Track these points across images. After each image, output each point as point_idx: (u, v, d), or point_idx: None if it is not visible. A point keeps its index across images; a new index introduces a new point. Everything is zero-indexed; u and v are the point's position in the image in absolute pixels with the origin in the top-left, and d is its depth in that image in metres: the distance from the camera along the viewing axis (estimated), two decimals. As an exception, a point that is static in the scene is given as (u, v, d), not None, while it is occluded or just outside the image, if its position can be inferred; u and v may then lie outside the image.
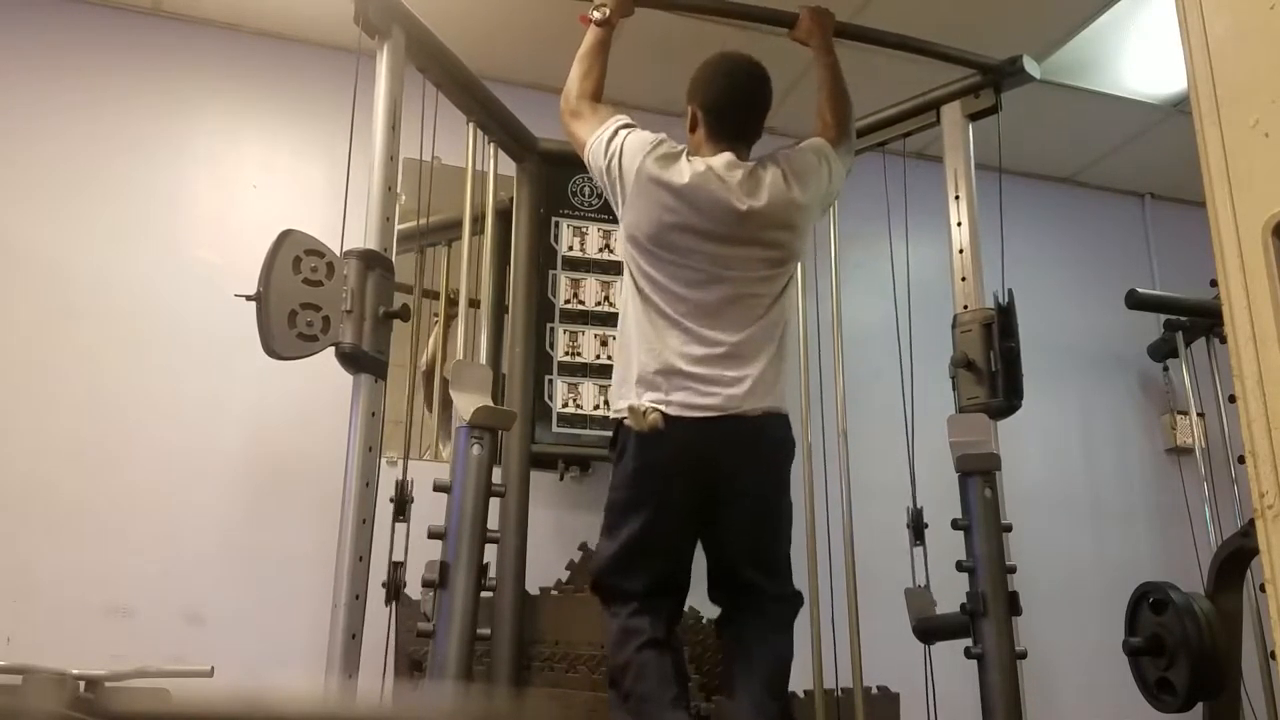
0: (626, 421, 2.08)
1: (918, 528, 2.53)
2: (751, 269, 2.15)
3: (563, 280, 3.16)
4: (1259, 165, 1.03)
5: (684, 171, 2.13)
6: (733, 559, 2.17)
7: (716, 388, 2.06)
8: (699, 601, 2.34)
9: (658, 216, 2.12)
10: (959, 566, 2.35)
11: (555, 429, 3.05)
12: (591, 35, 2.37)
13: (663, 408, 2.04)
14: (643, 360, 2.10)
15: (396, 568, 2.18)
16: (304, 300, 2.15)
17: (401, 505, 2.20)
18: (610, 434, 2.21)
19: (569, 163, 3.24)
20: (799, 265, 2.34)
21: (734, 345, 2.10)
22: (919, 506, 2.56)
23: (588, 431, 3.04)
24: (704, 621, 2.60)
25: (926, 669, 2.51)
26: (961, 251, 2.67)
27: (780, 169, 2.20)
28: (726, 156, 2.18)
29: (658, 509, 2.09)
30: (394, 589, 2.19)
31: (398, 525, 2.20)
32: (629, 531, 2.10)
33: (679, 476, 2.08)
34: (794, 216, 2.19)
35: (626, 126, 2.24)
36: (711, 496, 2.11)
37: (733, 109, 2.23)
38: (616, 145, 2.19)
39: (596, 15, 2.37)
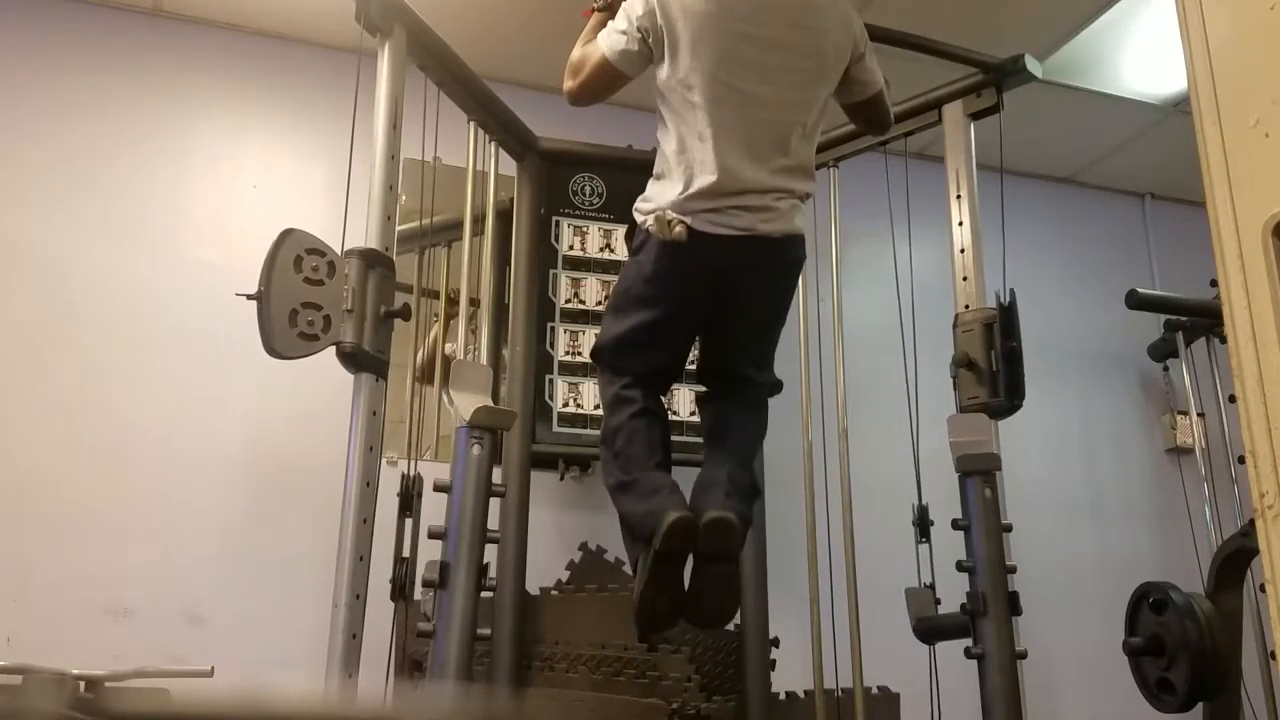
0: (650, 227, 2.12)
1: (923, 525, 2.53)
2: (784, 86, 2.14)
3: (563, 279, 3.16)
4: (1259, 165, 1.03)
5: None
6: (730, 356, 2.29)
7: (742, 212, 2.10)
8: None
9: (690, 26, 2.10)
10: (959, 566, 2.35)
11: (555, 429, 3.05)
12: (594, 23, 2.36)
13: (689, 220, 2.08)
14: (675, 176, 2.13)
15: (403, 564, 2.18)
16: (305, 299, 2.15)
17: (408, 500, 2.20)
18: (630, 226, 2.26)
19: (570, 162, 3.26)
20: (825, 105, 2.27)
21: (764, 170, 2.12)
22: (924, 504, 2.56)
23: (588, 431, 3.04)
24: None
25: (934, 669, 2.50)
26: (963, 251, 2.67)
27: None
28: None
29: (667, 310, 2.18)
30: (400, 586, 2.18)
31: (405, 521, 2.20)
32: (635, 321, 2.19)
33: (694, 287, 2.16)
34: (819, 19, 2.17)
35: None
36: (721, 305, 2.19)
37: None
38: (634, 10, 2.15)
39: (598, 3, 2.37)
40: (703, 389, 2.35)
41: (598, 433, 2.97)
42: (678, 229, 2.07)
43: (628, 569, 2.25)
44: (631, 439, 2.13)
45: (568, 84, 2.28)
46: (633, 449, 2.12)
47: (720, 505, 2.01)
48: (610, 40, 2.19)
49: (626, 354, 2.22)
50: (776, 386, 2.34)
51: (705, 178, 2.09)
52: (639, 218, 2.20)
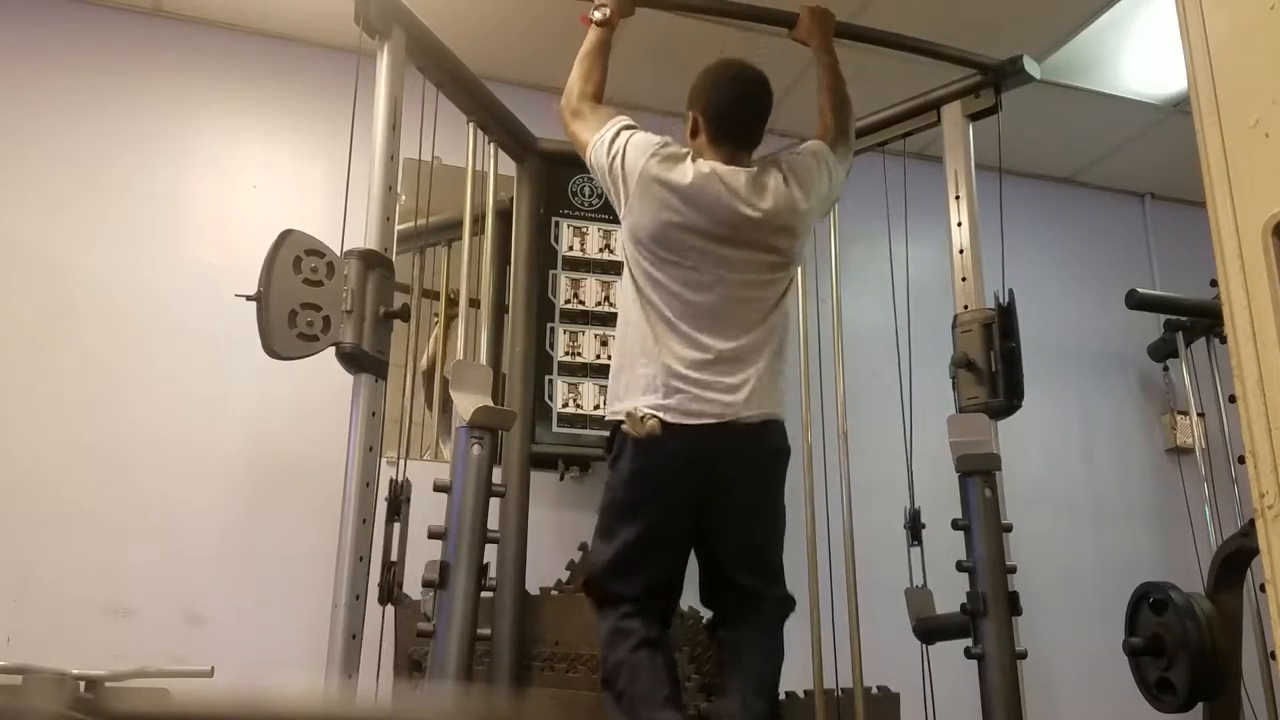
0: (624, 427, 2.09)
1: (915, 528, 2.53)
2: (753, 272, 2.15)
3: (563, 280, 3.16)
4: (1259, 165, 1.03)
5: (688, 173, 2.13)
6: (727, 564, 2.18)
7: (714, 394, 2.06)
8: (696, 600, 2.34)
9: (660, 216, 2.12)
10: (959, 566, 2.35)
11: (555, 429, 3.05)
12: (592, 35, 2.37)
13: (661, 414, 2.04)
14: (641, 364, 2.10)
15: (390, 568, 2.17)
16: (304, 300, 2.15)
17: (396, 505, 2.19)
18: (607, 435, 2.21)
19: (569, 163, 3.24)
20: (799, 269, 2.34)
21: (733, 350, 2.10)
22: (916, 507, 2.56)
23: (588, 431, 3.04)
24: (703, 622, 2.60)
25: (927, 669, 2.51)
26: (962, 251, 2.67)
27: (782, 173, 2.20)
28: (730, 162, 2.18)
29: (654, 515, 2.10)
30: (388, 590, 2.18)
31: (392, 525, 2.18)
32: (624, 537, 2.11)
33: (675, 483, 2.09)
34: (796, 221, 2.20)
35: (629, 128, 2.24)
36: (707, 502, 2.12)
37: (734, 115, 2.22)
38: (619, 146, 2.19)
39: (597, 15, 2.37)
40: (710, 618, 2.26)
41: (598, 433, 2.98)
42: (650, 423, 2.03)
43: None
44: (634, 677, 2.00)
45: (563, 114, 2.33)
46: (637, 687, 1.99)
47: None
48: (597, 150, 2.22)
49: (620, 577, 2.11)
50: (788, 601, 2.22)
51: (673, 360, 2.06)
52: (609, 418, 2.16)
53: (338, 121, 2.38)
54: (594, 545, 2.23)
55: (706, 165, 2.16)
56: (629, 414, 2.06)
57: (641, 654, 2.03)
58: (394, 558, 2.17)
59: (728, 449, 2.08)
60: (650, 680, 2.00)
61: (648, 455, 2.06)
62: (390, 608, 2.20)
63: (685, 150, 2.20)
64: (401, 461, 2.29)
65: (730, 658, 2.15)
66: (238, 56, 3.40)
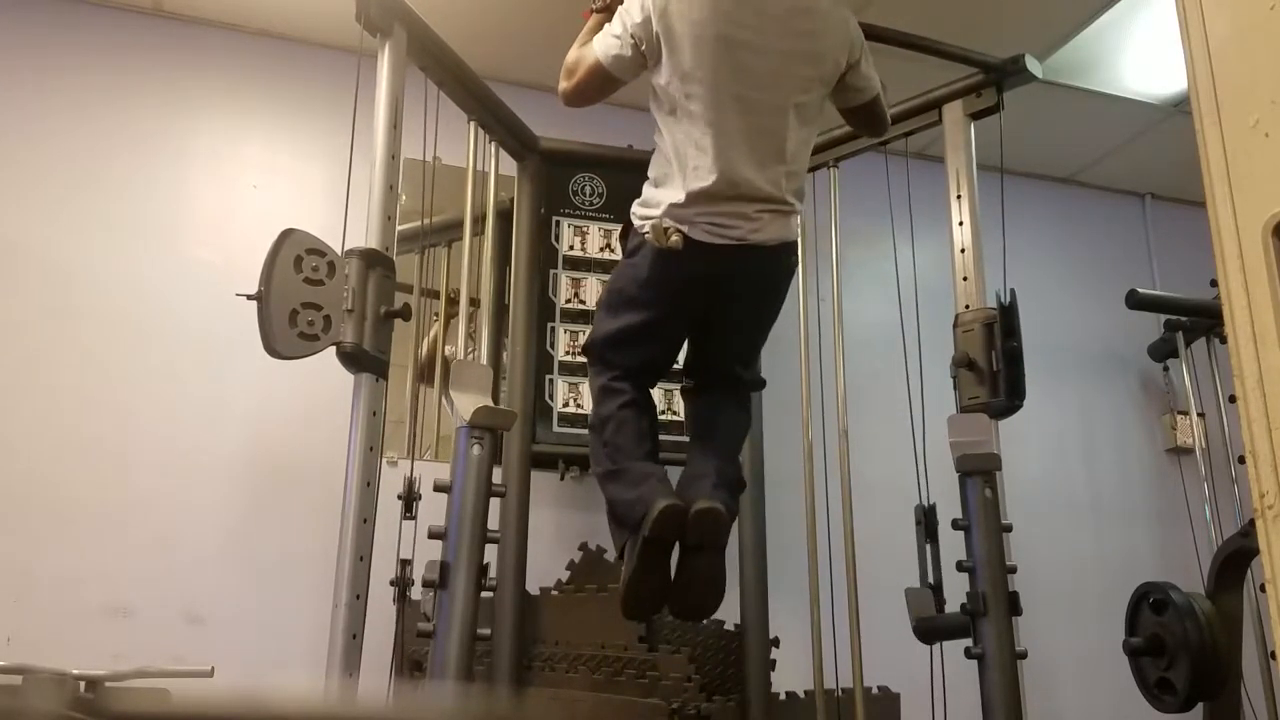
0: (647, 234, 2.12)
1: (929, 525, 2.50)
2: (780, 91, 2.14)
3: (563, 280, 3.16)
4: (1259, 165, 1.03)
5: None
6: (719, 354, 2.32)
7: (739, 220, 2.11)
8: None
9: (687, 38, 2.09)
10: (959, 566, 2.35)
11: (556, 429, 3.05)
12: (592, 23, 2.36)
13: (685, 228, 2.08)
14: (672, 183, 2.13)
15: (405, 565, 2.19)
16: (305, 299, 2.15)
17: (409, 503, 2.21)
18: (623, 225, 2.29)
19: (570, 162, 3.26)
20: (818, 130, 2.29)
21: (762, 177, 2.12)
22: (931, 503, 2.53)
23: (588, 432, 3.03)
24: (704, 621, 2.60)
25: (937, 670, 2.50)
26: (963, 251, 2.67)
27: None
28: None
29: (659, 313, 2.20)
30: (403, 587, 2.19)
31: (405, 523, 2.20)
32: (627, 321, 2.21)
33: (687, 294, 2.18)
34: (816, 24, 2.16)
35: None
36: (713, 309, 2.22)
37: None
38: (630, 16, 2.15)
39: (596, 5, 2.37)
40: (688, 383, 2.38)
41: (598, 433, 2.99)
42: (674, 238, 2.07)
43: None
44: (620, 428, 2.15)
45: (562, 84, 2.28)
46: (621, 438, 2.14)
47: (708, 496, 2.03)
48: (604, 44, 2.19)
49: (617, 350, 2.24)
50: (760, 384, 2.42)
51: (702, 184, 2.08)
52: (636, 221, 2.20)
53: (338, 121, 2.38)
54: (598, 315, 2.36)
55: None
56: (654, 224, 2.11)
57: (628, 411, 2.18)
58: (406, 556, 2.18)
59: (744, 269, 2.16)
60: (633, 434, 2.15)
61: (665, 265, 2.12)
62: (394, 607, 2.21)
63: None
64: (411, 459, 2.29)
65: (706, 423, 2.28)
66: (238, 56, 3.40)
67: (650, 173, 2.24)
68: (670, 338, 2.29)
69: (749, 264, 2.15)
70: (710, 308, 2.21)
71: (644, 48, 2.15)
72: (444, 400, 3.11)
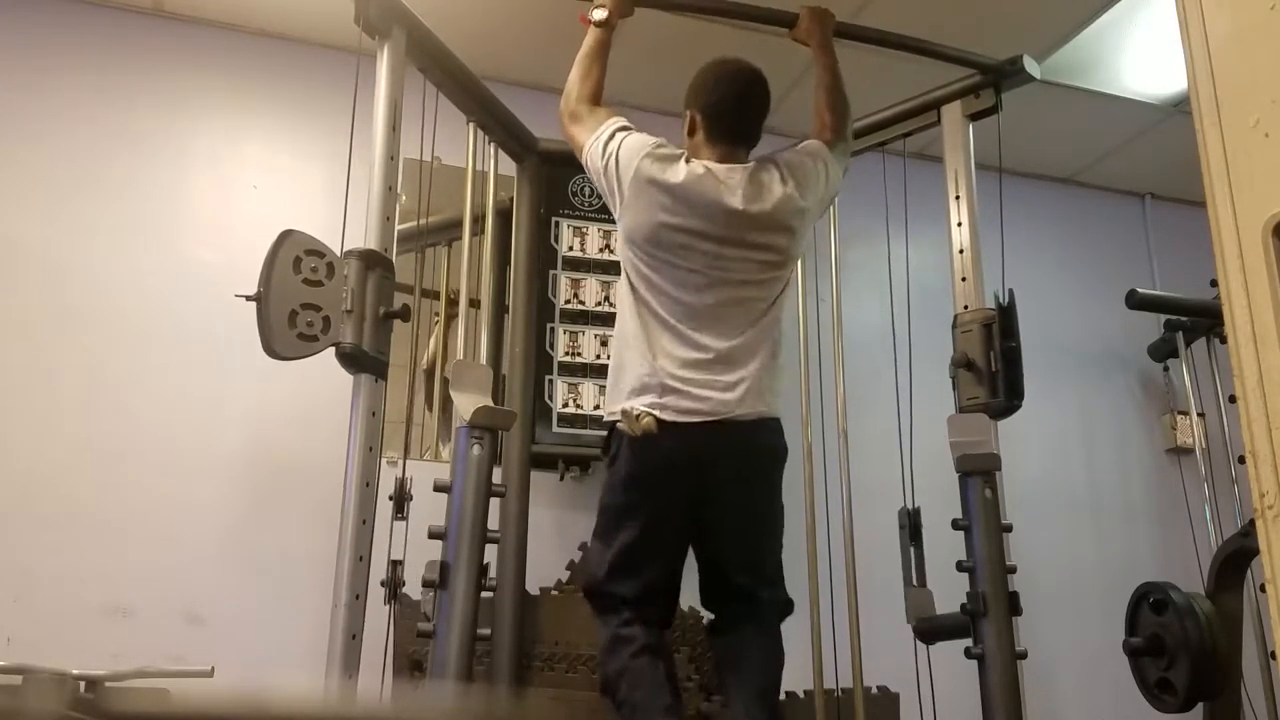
0: (620, 426, 2.09)
1: (914, 528, 2.51)
2: (748, 272, 2.15)
3: (563, 280, 3.16)
4: (1259, 165, 1.03)
5: (681, 172, 2.13)
6: (725, 565, 2.18)
7: (710, 392, 2.07)
8: (695, 600, 2.34)
9: (655, 217, 2.12)
10: (959, 566, 2.35)
11: (555, 429, 3.05)
12: (591, 37, 2.37)
13: (657, 412, 2.04)
14: (637, 364, 2.10)
15: (395, 566, 2.18)
16: (304, 300, 2.15)
17: (400, 503, 2.20)
18: (604, 435, 2.22)
19: (569, 163, 3.22)
20: (796, 268, 2.34)
21: (729, 349, 2.10)
22: (915, 507, 2.55)
23: (588, 431, 3.04)
24: (703, 621, 2.60)
25: (928, 669, 2.51)
26: (962, 251, 2.67)
27: (779, 172, 2.20)
28: (726, 160, 2.19)
29: (651, 515, 2.10)
30: (394, 588, 2.19)
31: (396, 524, 2.19)
32: (622, 538, 2.12)
33: (672, 483, 2.09)
34: (793, 220, 2.19)
35: (624, 129, 2.24)
36: (704, 502, 2.12)
37: (731, 113, 2.22)
38: (614, 147, 2.19)
39: (596, 15, 2.37)
40: (709, 619, 2.26)
41: (597, 433, 2.98)
42: (645, 421, 2.03)
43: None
44: (635, 684, 2.00)
45: (561, 115, 2.33)
46: (638, 694, 1.99)
47: None
48: (593, 151, 2.22)
49: (617, 579, 2.12)
50: (787, 604, 2.23)
51: (669, 364, 2.06)
52: (607, 417, 2.16)
53: (338, 121, 2.38)
54: (592, 548, 2.23)
55: (701, 165, 2.16)
56: (625, 413, 2.07)
57: (642, 660, 2.03)
58: (397, 557, 2.18)
59: (724, 447, 2.08)
60: (651, 687, 2.00)
61: (644, 455, 2.07)
62: (391, 606, 2.21)
63: (680, 151, 2.20)
64: (404, 459, 2.29)
65: (730, 662, 2.14)
66: (238, 56, 3.40)
67: (611, 366, 2.21)
68: (670, 547, 2.16)
69: (729, 443, 2.07)
70: (700, 501, 2.11)
71: (615, 194, 2.18)
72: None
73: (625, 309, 2.19)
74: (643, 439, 2.04)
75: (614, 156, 2.17)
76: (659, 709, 1.97)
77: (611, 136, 2.21)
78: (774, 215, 2.16)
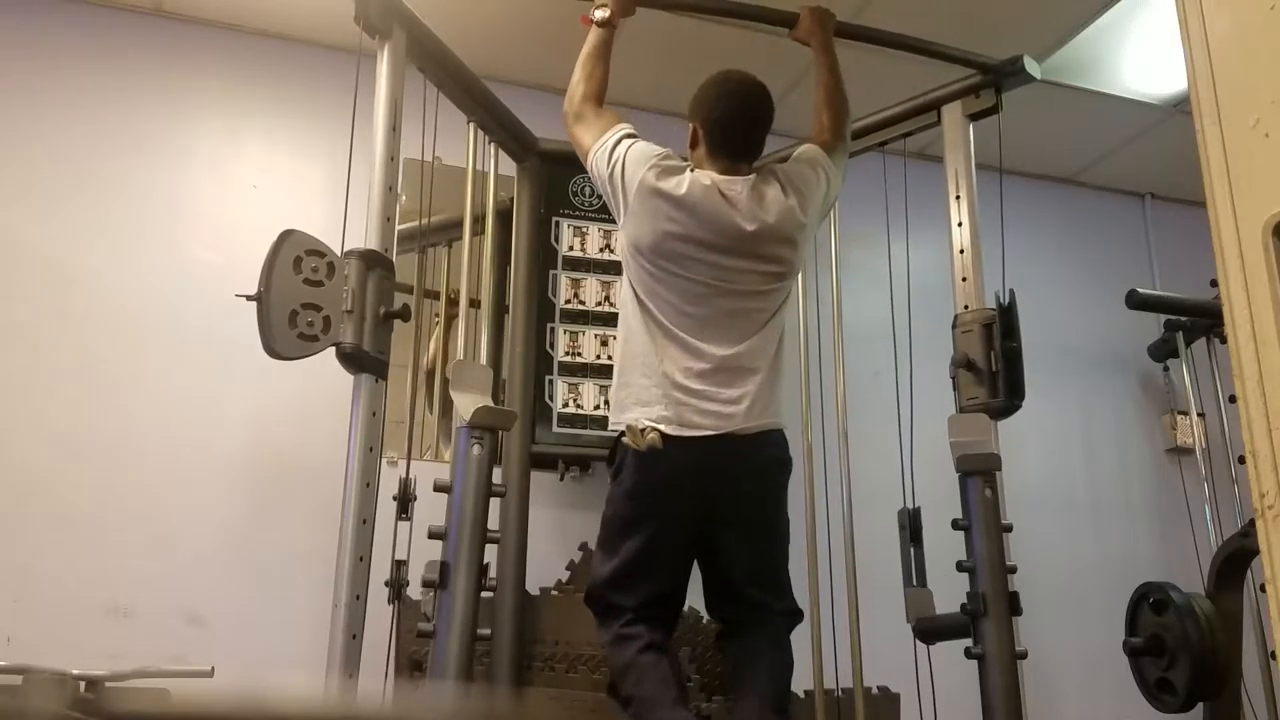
0: (625, 439, 2.10)
1: (914, 529, 2.51)
2: (751, 283, 2.16)
3: (563, 280, 3.16)
4: (1259, 165, 1.03)
5: (686, 184, 2.14)
6: (732, 576, 2.19)
7: (714, 405, 2.07)
8: (699, 601, 2.34)
9: (659, 227, 2.13)
10: (959, 566, 2.35)
11: (556, 429, 3.05)
12: (593, 37, 2.37)
13: (662, 426, 2.05)
14: (641, 375, 2.11)
15: (399, 566, 2.19)
16: (305, 300, 2.15)
17: (405, 504, 2.20)
18: (610, 447, 2.23)
19: (569, 163, 3.23)
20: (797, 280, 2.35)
21: (732, 360, 2.11)
22: (916, 507, 2.54)
23: (588, 431, 3.04)
24: (704, 621, 2.60)
25: (930, 669, 2.50)
26: (962, 251, 2.67)
27: (781, 184, 2.21)
28: (728, 173, 2.19)
29: (656, 528, 2.11)
30: (397, 588, 2.19)
31: (400, 524, 2.20)
32: (627, 550, 2.12)
33: (677, 495, 2.10)
34: (795, 232, 2.20)
35: (630, 136, 2.24)
36: (710, 515, 2.13)
37: (734, 129, 2.23)
38: (620, 155, 2.19)
39: (597, 15, 2.37)
40: (718, 627, 2.27)
41: (598, 433, 2.99)
42: (651, 435, 2.04)
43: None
44: (641, 678, 2.01)
45: (565, 115, 2.34)
46: (644, 689, 2.00)
47: None
48: (597, 156, 2.23)
49: (621, 589, 2.13)
50: (795, 615, 2.24)
51: (672, 371, 2.07)
52: (614, 431, 2.17)
53: (338, 122, 2.38)
54: (595, 558, 2.24)
55: (706, 177, 2.16)
56: (629, 427, 2.08)
57: (647, 656, 2.04)
58: (401, 556, 2.18)
59: (728, 460, 2.09)
60: (657, 682, 2.00)
61: (649, 468, 2.07)
62: (392, 607, 2.21)
63: (684, 162, 2.21)
64: (407, 460, 2.29)
65: (740, 672, 2.15)
66: (238, 56, 3.39)
67: (615, 376, 2.21)
68: (674, 560, 2.17)
69: (733, 457, 2.09)
70: (705, 513, 2.12)
71: (618, 203, 2.19)
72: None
73: (628, 317, 2.20)
74: (647, 452, 2.04)
75: (620, 164, 2.18)
76: (667, 702, 1.98)
77: (618, 144, 2.21)
78: (776, 229, 2.17)
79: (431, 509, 2.20)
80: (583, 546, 2.88)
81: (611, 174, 2.19)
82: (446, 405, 2.94)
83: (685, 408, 2.06)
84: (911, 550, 2.48)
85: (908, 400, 2.69)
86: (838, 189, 2.37)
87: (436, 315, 3.29)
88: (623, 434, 2.11)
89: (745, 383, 2.10)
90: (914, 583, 2.44)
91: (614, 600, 2.13)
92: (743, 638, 2.18)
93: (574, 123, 2.31)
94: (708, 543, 2.16)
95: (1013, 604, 2.30)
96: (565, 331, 3.11)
